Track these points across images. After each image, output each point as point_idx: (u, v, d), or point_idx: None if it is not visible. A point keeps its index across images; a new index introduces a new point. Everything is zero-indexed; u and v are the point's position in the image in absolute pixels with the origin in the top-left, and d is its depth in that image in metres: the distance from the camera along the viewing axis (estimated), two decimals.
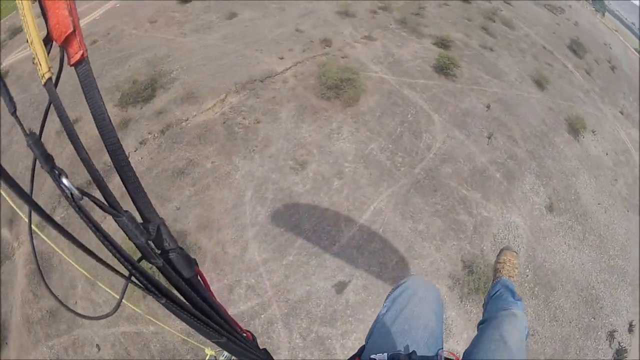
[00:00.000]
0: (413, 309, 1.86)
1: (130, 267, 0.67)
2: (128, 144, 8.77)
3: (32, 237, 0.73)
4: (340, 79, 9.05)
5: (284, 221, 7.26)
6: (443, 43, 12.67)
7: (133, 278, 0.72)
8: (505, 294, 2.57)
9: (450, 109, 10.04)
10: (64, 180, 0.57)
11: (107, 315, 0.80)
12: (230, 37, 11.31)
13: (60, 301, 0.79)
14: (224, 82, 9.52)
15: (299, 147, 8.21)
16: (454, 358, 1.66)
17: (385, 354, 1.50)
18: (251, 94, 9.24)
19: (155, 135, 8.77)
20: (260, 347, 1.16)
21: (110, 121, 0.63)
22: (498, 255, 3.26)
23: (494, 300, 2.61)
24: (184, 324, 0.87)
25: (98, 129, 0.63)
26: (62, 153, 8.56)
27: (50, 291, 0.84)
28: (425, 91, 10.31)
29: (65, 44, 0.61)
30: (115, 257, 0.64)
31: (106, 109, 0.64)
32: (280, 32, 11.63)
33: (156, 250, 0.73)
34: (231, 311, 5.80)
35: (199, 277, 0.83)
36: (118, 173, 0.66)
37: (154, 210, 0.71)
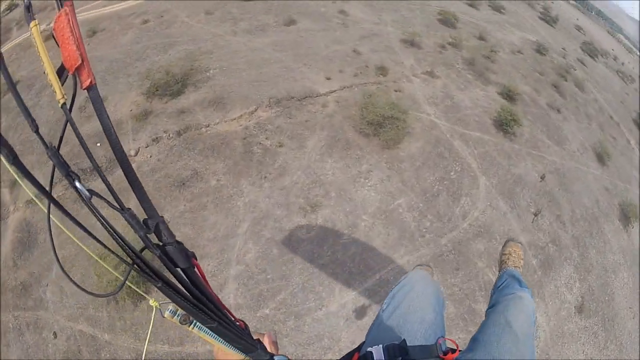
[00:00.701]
0: (409, 304, 1.86)
1: (132, 255, 0.74)
2: (141, 138, 7.84)
3: (50, 229, 0.79)
4: (384, 116, 7.76)
5: (273, 268, 6.08)
6: (509, 95, 10.94)
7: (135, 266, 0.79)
8: (512, 283, 2.37)
9: (501, 173, 8.51)
10: (77, 184, 0.63)
11: (107, 295, 0.96)
12: (282, 44, 9.96)
13: (79, 286, 0.84)
14: (259, 92, 8.37)
15: (316, 186, 6.94)
16: (455, 346, 1.69)
17: (381, 346, 1.52)
18: (284, 112, 8.04)
19: (171, 135, 7.81)
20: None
21: (117, 136, 0.66)
22: (503, 247, 3.03)
23: (500, 290, 2.40)
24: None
25: (108, 141, 0.66)
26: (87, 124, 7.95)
27: (66, 274, 0.89)
28: (477, 146, 8.79)
29: (76, 73, 0.65)
30: (120, 245, 0.72)
31: (113, 127, 0.66)
32: (336, 50, 10.16)
33: (158, 242, 0.77)
34: (186, 349, 5.50)
35: (195, 269, 0.86)
36: (126, 178, 0.69)
37: (154, 209, 0.75)
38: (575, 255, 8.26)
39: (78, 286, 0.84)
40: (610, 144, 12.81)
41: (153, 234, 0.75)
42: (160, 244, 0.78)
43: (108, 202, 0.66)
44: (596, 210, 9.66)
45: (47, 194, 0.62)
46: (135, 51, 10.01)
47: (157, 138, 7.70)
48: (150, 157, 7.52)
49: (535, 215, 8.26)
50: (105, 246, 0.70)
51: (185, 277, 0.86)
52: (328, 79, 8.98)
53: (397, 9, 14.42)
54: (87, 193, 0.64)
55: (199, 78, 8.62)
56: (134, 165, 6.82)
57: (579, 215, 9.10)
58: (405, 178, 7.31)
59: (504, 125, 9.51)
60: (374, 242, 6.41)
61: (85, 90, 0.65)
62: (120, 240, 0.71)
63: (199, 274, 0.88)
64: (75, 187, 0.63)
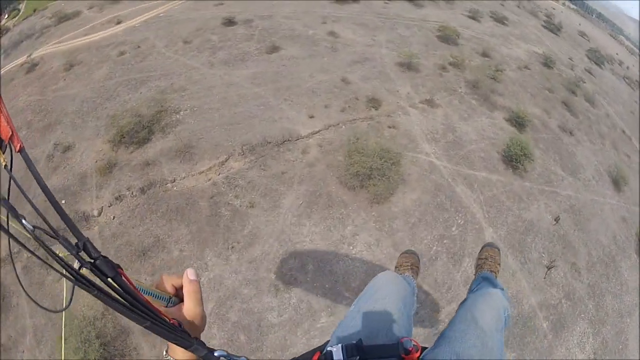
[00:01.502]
0: (374, 305, 1.81)
1: (71, 271, 0.78)
2: (104, 195, 6.79)
3: (12, 256, 0.92)
4: (372, 167, 6.67)
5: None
6: (518, 121, 9.84)
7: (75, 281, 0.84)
8: (485, 285, 2.31)
9: (510, 221, 7.30)
10: (24, 222, 0.71)
11: (59, 310, 1.16)
12: (261, 77, 8.80)
13: (33, 299, 1.00)
14: (232, 138, 7.18)
15: (292, 257, 5.79)
16: (416, 345, 1.59)
17: (340, 345, 1.48)
18: (258, 162, 6.90)
19: (134, 193, 6.74)
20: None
21: (48, 188, 0.77)
22: (480, 252, 2.85)
23: (473, 292, 2.27)
24: None
25: (42, 191, 0.76)
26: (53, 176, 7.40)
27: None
28: (484, 190, 7.57)
29: (10, 141, 0.76)
30: (61, 265, 0.76)
31: (43, 179, 0.78)
32: (322, 80, 8.90)
33: (88, 259, 0.82)
34: None
35: (123, 277, 0.89)
36: (60, 217, 0.78)
37: (81, 233, 0.80)
38: (591, 307, 7.21)
39: (32, 299, 0.90)
40: (625, 164, 11.65)
41: (83, 252, 0.80)
42: (92, 260, 0.82)
43: (45, 232, 0.73)
44: (614, 248, 8.52)
45: (5, 230, 0.68)
46: (107, 89, 9.02)
47: (120, 196, 6.74)
48: (113, 218, 6.59)
49: (549, 268, 7.09)
50: (49, 265, 0.77)
51: (114, 284, 0.87)
52: (311, 117, 7.83)
53: (393, 27, 13.20)
54: (31, 227, 0.71)
55: (167, 122, 7.57)
56: (96, 228, 5.98)
57: (596, 258, 7.96)
58: (397, 240, 6.16)
59: (514, 160, 8.29)
60: None
61: (19, 153, 0.77)
62: (61, 261, 0.76)
63: (126, 281, 0.88)
64: (22, 223, 0.70)
